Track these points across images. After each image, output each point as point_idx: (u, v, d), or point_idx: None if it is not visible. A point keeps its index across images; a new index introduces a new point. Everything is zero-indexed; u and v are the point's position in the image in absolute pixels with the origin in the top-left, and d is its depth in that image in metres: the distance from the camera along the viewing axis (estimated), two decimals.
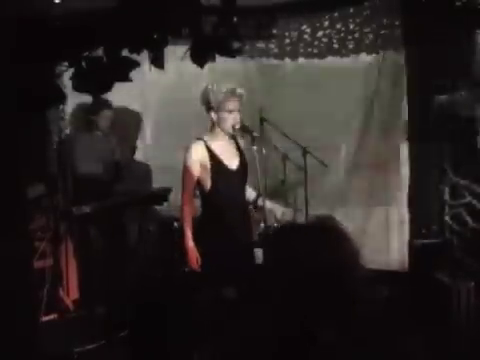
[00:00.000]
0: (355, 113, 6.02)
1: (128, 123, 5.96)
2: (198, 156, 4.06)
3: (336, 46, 6.00)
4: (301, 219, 5.28)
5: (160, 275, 5.04)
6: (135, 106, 5.96)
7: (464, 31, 5.25)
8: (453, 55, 5.25)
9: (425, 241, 5.39)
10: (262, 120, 5.28)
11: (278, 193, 5.44)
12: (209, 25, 2.36)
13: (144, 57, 2.33)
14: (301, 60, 6.09)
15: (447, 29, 5.15)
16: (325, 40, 5.99)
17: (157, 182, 5.77)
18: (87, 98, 4.86)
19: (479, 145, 5.26)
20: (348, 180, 6.07)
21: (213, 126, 4.11)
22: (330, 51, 6.01)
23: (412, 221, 5.82)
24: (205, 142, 4.09)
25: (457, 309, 4.64)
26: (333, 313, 1.52)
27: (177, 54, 2.55)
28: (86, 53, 2.22)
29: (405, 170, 5.94)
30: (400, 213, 5.98)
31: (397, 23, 5.75)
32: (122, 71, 2.25)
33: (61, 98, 2.30)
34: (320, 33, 5.99)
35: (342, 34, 5.94)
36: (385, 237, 5.95)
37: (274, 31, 5.70)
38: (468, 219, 5.23)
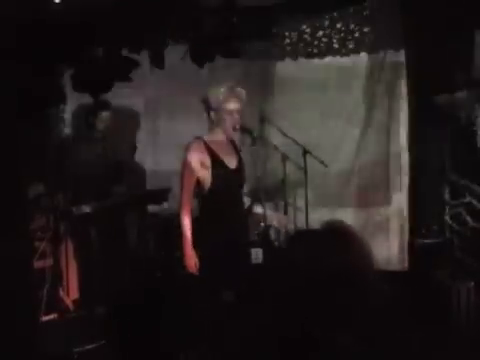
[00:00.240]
0: (355, 113, 6.01)
1: (128, 123, 5.95)
2: (198, 155, 4.05)
3: (336, 46, 5.99)
4: (301, 219, 5.28)
5: (159, 275, 5.04)
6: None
7: (464, 31, 5.24)
8: (453, 55, 5.24)
9: (425, 241, 5.39)
10: (262, 120, 5.28)
11: (278, 193, 5.44)
12: (209, 25, 2.36)
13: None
14: (301, 60, 6.09)
15: (447, 29, 5.15)
16: (325, 40, 5.99)
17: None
18: (87, 98, 4.85)
19: (479, 145, 5.26)
20: (348, 180, 6.07)
21: (212, 126, 4.10)
22: (330, 51, 6.01)
23: (412, 221, 5.82)
24: (205, 141, 4.09)
25: (457, 309, 4.64)
26: (348, 317, 1.52)
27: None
28: (86, 53, 2.22)
29: (405, 170, 5.94)
30: (400, 213, 5.97)
31: (397, 23, 5.74)
32: (122, 71, 2.25)
33: (61, 98, 2.30)
34: (320, 33, 5.98)
35: (342, 34, 5.94)
36: (385, 237, 5.95)
37: (274, 31, 5.69)
38: (468, 219, 5.23)
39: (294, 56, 6.08)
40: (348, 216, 5.85)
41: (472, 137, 5.29)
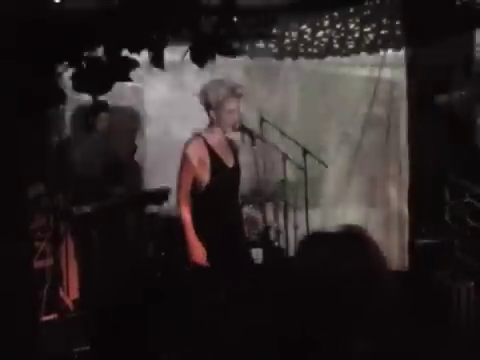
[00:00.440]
0: (355, 113, 6.02)
1: (128, 123, 5.95)
2: (198, 152, 4.05)
3: (336, 46, 5.99)
4: (301, 219, 5.27)
5: (160, 275, 5.04)
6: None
7: (464, 31, 5.25)
8: (453, 55, 5.24)
9: (425, 241, 5.39)
10: (262, 120, 5.28)
11: (278, 193, 5.44)
12: (209, 25, 2.36)
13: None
14: (301, 60, 6.09)
15: (447, 28, 5.15)
16: (325, 40, 5.98)
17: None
18: (87, 98, 4.85)
19: (479, 145, 5.26)
20: (348, 180, 6.07)
21: (212, 124, 4.11)
22: (330, 51, 6.01)
23: (412, 221, 5.82)
24: (204, 138, 4.09)
25: (457, 309, 4.64)
26: (364, 320, 1.53)
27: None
28: (86, 53, 2.22)
29: (405, 170, 5.94)
30: (400, 213, 5.98)
31: (397, 23, 5.74)
32: (122, 71, 2.25)
33: (61, 98, 2.30)
34: (320, 33, 5.98)
35: (342, 34, 5.94)
36: (385, 237, 5.95)
37: (274, 31, 5.68)
38: (468, 219, 5.23)
39: (294, 56, 6.08)
40: (348, 216, 5.85)
41: (472, 137, 5.29)
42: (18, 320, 2.92)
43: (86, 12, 2.27)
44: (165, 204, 5.40)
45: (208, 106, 4.06)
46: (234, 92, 4.03)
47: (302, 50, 6.05)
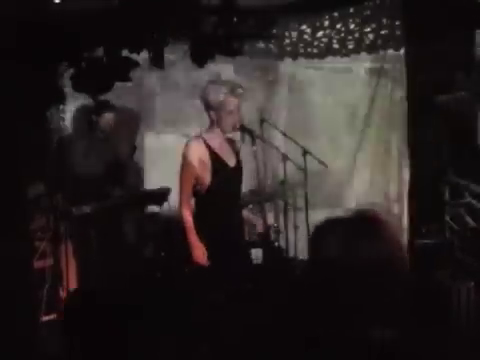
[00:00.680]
0: (355, 113, 6.02)
1: (128, 123, 5.95)
2: (198, 153, 4.05)
3: (336, 46, 5.99)
4: (301, 219, 5.28)
5: (159, 275, 5.04)
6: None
7: (464, 31, 5.24)
8: (453, 55, 5.24)
9: (425, 241, 5.38)
10: (262, 120, 5.28)
11: (278, 193, 5.44)
12: (209, 25, 2.35)
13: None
14: (301, 60, 6.09)
15: (447, 29, 5.15)
16: (325, 40, 5.99)
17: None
18: (88, 98, 4.86)
19: (479, 145, 5.26)
20: (348, 180, 6.07)
21: (212, 125, 4.11)
22: (330, 51, 6.01)
23: (412, 221, 5.82)
24: (204, 139, 4.09)
25: (457, 309, 4.64)
26: (384, 307, 1.51)
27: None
28: (86, 53, 2.22)
29: (405, 170, 5.94)
30: (400, 213, 5.97)
31: (397, 23, 5.74)
32: (122, 71, 2.25)
33: (61, 98, 2.30)
34: (320, 33, 5.98)
35: (342, 34, 5.94)
36: None
37: (274, 31, 5.68)
38: (468, 219, 5.22)
39: (294, 56, 6.08)
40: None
41: (472, 137, 5.29)
42: (18, 320, 2.92)
43: (86, 12, 2.27)
44: (165, 204, 5.40)
45: (208, 106, 4.06)
46: (234, 92, 4.03)
47: (302, 50, 6.06)
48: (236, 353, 3.44)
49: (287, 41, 6.06)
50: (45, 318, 4.92)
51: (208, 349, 3.59)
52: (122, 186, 5.48)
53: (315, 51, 6.05)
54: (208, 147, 4.07)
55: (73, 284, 5.20)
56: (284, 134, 5.13)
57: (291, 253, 5.37)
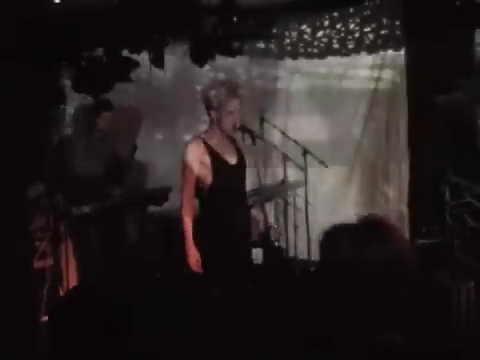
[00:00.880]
0: (355, 113, 6.02)
1: (128, 123, 5.95)
2: (197, 154, 4.05)
3: (336, 46, 5.99)
4: (301, 220, 5.28)
5: (159, 276, 5.04)
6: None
7: (464, 31, 5.24)
8: (453, 55, 5.24)
9: (425, 241, 5.38)
10: (262, 120, 5.28)
11: (278, 193, 5.43)
12: (209, 25, 2.35)
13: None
14: (301, 60, 6.09)
15: (447, 29, 5.15)
16: (325, 40, 5.98)
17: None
18: (87, 98, 4.85)
19: (479, 145, 5.26)
20: (348, 180, 6.07)
21: (212, 125, 4.11)
22: (330, 51, 6.00)
23: (412, 221, 5.82)
24: (203, 140, 4.09)
25: (457, 309, 4.64)
26: (395, 310, 1.52)
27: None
28: (86, 53, 2.22)
29: (405, 170, 5.94)
30: (400, 213, 5.97)
31: (397, 23, 5.74)
32: (122, 71, 2.25)
33: (61, 98, 2.30)
34: (320, 33, 5.98)
35: (342, 34, 5.94)
36: None
37: (274, 31, 5.68)
38: (468, 219, 5.22)
39: (294, 56, 6.08)
40: (348, 216, 5.84)
41: (472, 137, 5.29)
42: (18, 320, 2.92)
43: (86, 12, 2.27)
44: (166, 204, 5.40)
45: (209, 106, 4.06)
46: (234, 92, 4.03)
47: (302, 50, 6.05)
48: (236, 353, 3.44)
49: (287, 41, 6.06)
50: (45, 318, 4.92)
51: (208, 349, 3.59)
52: (122, 186, 5.48)
53: (315, 51, 6.05)
54: (207, 147, 4.07)
55: (73, 284, 5.20)
56: (284, 134, 5.12)
57: (291, 253, 5.37)
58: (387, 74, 5.97)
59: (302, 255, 5.24)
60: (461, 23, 5.14)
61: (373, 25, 5.86)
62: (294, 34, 6.04)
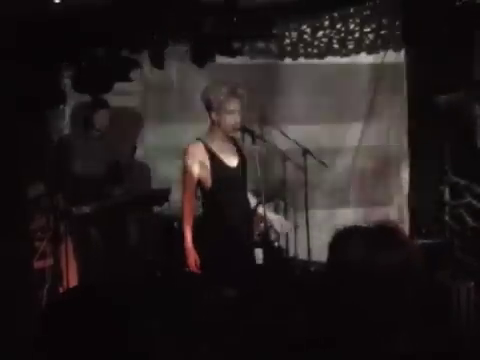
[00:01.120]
0: (356, 113, 6.01)
1: (128, 122, 5.95)
2: (197, 156, 4.06)
3: (336, 46, 5.99)
4: (301, 219, 5.27)
5: (159, 275, 5.04)
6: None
7: (464, 31, 5.24)
8: (453, 55, 5.24)
9: (425, 241, 5.39)
10: (262, 120, 5.28)
11: (278, 193, 5.43)
12: (209, 25, 2.36)
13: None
14: (301, 60, 6.08)
15: (447, 29, 5.15)
16: (325, 40, 5.98)
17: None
18: (87, 98, 4.84)
19: (479, 145, 5.26)
20: (348, 180, 6.07)
21: (213, 126, 4.11)
22: (330, 51, 6.00)
23: (412, 221, 5.82)
24: (204, 142, 4.09)
25: (457, 309, 4.64)
26: (403, 315, 1.53)
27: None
28: (86, 53, 2.22)
29: (405, 170, 5.94)
30: (400, 213, 5.97)
31: (397, 23, 5.74)
32: (122, 71, 2.25)
33: (61, 98, 2.30)
34: (320, 33, 5.98)
35: (342, 34, 5.93)
36: None
37: (274, 31, 5.68)
38: (468, 219, 5.23)
39: (294, 56, 6.08)
40: (348, 216, 5.85)
41: (472, 137, 5.29)
42: (18, 320, 2.92)
43: (86, 12, 2.27)
44: (165, 204, 5.40)
45: (209, 107, 4.06)
46: (235, 93, 4.03)
47: (302, 50, 6.05)
48: (236, 353, 3.44)
49: (287, 41, 6.06)
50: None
51: (208, 349, 3.59)
52: (122, 185, 5.48)
53: (315, 51, 6.04)
54: (207, 149, 4.07)
55: (73, 284, 5.20)
56: (284, 134, 5.12)
57: (291, 253, 5.37)
58: (387, 74, 5.97)
59: (302, 255, 5.24)
60: (461, 23, 5.14)
61: (373, 25, 5.86)
62: (294, 34, 6.03)
